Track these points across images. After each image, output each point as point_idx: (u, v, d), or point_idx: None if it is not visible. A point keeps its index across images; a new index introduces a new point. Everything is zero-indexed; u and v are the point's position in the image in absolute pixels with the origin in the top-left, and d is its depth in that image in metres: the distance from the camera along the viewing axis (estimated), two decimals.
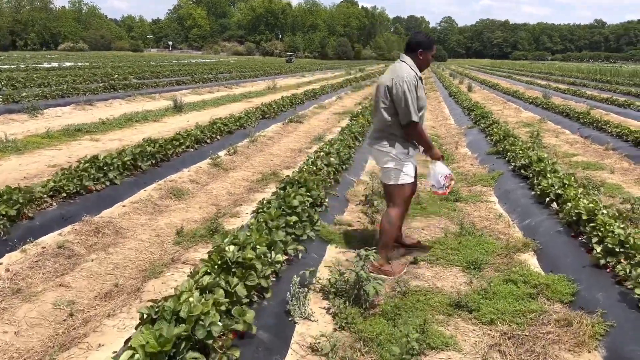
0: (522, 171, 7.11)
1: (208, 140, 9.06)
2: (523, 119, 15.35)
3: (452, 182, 4.61)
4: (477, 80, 35.16)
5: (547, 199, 5.74)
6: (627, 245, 4.01)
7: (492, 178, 7.53)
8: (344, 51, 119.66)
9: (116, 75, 21.50)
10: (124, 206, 5.77)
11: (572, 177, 5.97)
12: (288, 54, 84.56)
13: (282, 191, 5.22)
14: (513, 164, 7.64)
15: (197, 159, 8.02)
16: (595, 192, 6.69)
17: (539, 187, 6.01)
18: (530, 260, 4.65)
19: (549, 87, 26.69)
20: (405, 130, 4.17)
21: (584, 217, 4.71)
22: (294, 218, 4.47)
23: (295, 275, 3.60)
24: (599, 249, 4.18)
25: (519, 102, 19.60)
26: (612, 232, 4.25)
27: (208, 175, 7.42)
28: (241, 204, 6.14)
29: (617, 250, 4.04)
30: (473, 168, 8.43)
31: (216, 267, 3.36)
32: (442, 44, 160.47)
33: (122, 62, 38.74)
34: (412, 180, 4.41)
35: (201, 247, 4.74)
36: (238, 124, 10.69)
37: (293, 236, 4.38)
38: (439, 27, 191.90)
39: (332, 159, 6.81)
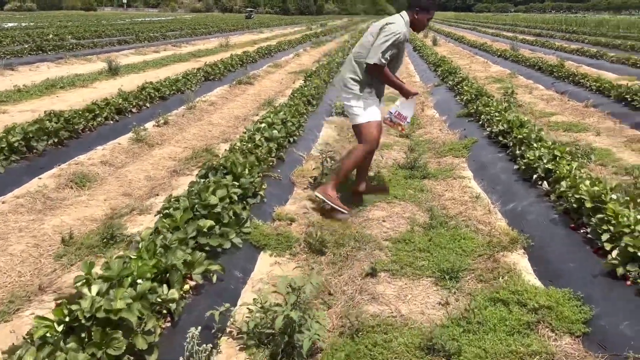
0: (500, 138, 6.05)
1: (134, 110, 7.70)
2: (492, 73, 14.29)
3: (404, 124, 4.73)
4: (442, 33, 33.87)
5: (535, 176, 4.70)
6: None
7: (465, 147, 6.46)
8: (306, 6, 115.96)
9: (50, 36, 19.42)
10: (2, 203, 4.49)
11: (564, 147, 4.92)
12: (248, 9, 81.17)
13: (201, 180, 4.01)
14: (489, 129, 6.56)
15: (117, 134, 6.69)
16: (586, 160, 5.69)
17: (524, 160, 4.96)
18: (521, 263, 3.60)
19: (515, 39, 25.60)
20: (369, 70, 4.31)
21: (588, 205, 3.66)
22: (210, 222, 3.29)
23: (206, 309, 2.45)
24: (614, 252, 3.14)
25: (487, 56, 18.50)
26: (630, 227, 3.22)
27: (127, 153, 6.12)
28: (158, 194, 4.91)
29: None
30: (442, 134, 7.34)
31: (63, 326, 2.18)
32: None
33: (71, 22, 35.91)
34: (379, 118, 4.47)
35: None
36: (174, 88, 9.28)
37: (208, 248, 3.22)
38: None
39: (275, 131, 5.59)
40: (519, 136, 5.52)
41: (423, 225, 4.25)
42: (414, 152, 6.18)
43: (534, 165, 4.74)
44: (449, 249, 3.82)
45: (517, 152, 5.29)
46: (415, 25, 4.41)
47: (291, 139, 6.09)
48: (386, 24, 4.28)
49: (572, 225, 3.78)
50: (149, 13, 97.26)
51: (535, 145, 5.10)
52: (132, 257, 2.74)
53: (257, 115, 8.45)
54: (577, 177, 4.11)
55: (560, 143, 5.41)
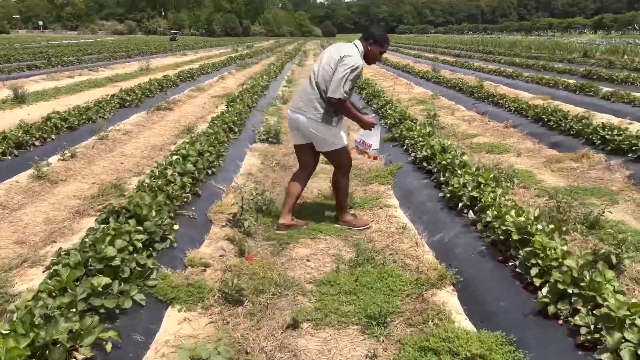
0: (425, 164, 5.94)
1: (37, 143, 7.05)
2: (416, 95, 14.50)
3: (369, 151, 4.83)
4: None
5: (460, 204, 4.57)
6: (583, 284, 2.87)
7: (391, 173, 6.32)
8: (232, 27, 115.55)
9: None
10: None
11: (488, 173, 4.84)
12: (172, 31, 79.61)
13: (100, 227, 3.57)
14: (413, 154, 6.47)
15: (14, 171, 6.05)
16: (510, 184, 5.67)
17: (448, 188, 4.84)
18: (451, 301, 3.40)
19: (436, 59, 26.43)
20: (332, 104, 4.32)
21: (515, 237, 3.53)
22: (105, 280, 2.87)
23: None
24: (544, 290, 3.00)
25: (410, 77, 18.86)
26: (558, 261, 3.10)
27: (25, 193, 5.52)
28: (56, 240, 4.40)
29: (571, 291, 2.88)
30: (367, 160, 7.18)
31: None
32: (330, 19, 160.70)
33: None
34: (346, 142, 4.65)
35: None
36: (85, 116, 8.65)
37: (103, 310, 2.80)
38: (326, 3, 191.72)
39: (190, 164, 5.21)
40: (443, 162, 5.42)
41: (349, 262, 3.99)
42: None
43: (459, 193, 4.62)
44: (376, 289, 3.58)
45: (442, 178, 5.18)
46: (368, 58, 4.44)
47: (209, 171, 5.72)
48: (344, 57, 4.26)
49: (500, 257, 3.64)
50: (67, 35, 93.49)
51: (459, 171, 5.00)
52: (3, 332, 2.29)
53: (175, 143, 8.01)
54: (502, 206, 4.00)
55: (484, 168, 5.36)
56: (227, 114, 8.33)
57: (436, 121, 9.02)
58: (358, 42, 4.42)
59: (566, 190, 5.61)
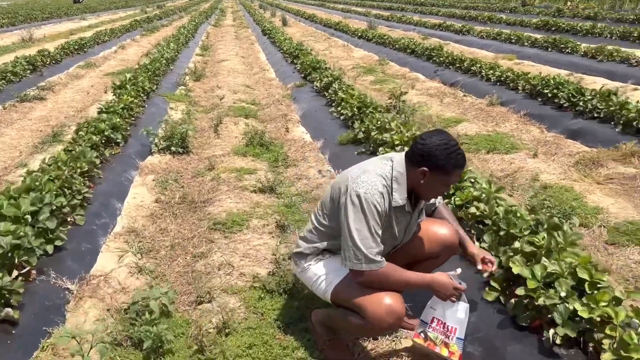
0: None
1: None
2: (359, 60, 12.04)
3: (452, 343, 2.25)
4: (290, 12, 31.40)
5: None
6: None
7: None
8: None
9: None
10: None
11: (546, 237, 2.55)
12: None
13: None
14: None
15: None
16: (570, 227, 3.42)
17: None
18: None
19: (369, 14, 23.93)
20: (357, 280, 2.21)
21: None
22: None
23: None
24: None
25: (346, 37, 16.31)
26: None
27: None
28: None
29: None
30: (323, 179, 4.75)
31: None
32: None
33: None
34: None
35: None
36: None
37: None
38: None
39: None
40: (458, 200, 3.12)
41: None
42: (287, 241, 3.56)
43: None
44: None
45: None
46: (419, 190, 2.28)
47: (49, 247, 3.11)
48: (345, 188, 2.24)
49: None
50: None
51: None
52: None
53: (25, 163, 5.20)
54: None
55: (534, 216, 3.03)
56: (106, 115, 5.56)
57: (402, 102, 6.64)
58: (397, 161, 2.29)
59: None
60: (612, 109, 5.43)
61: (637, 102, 5.38)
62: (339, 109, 6.11)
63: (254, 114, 7.21)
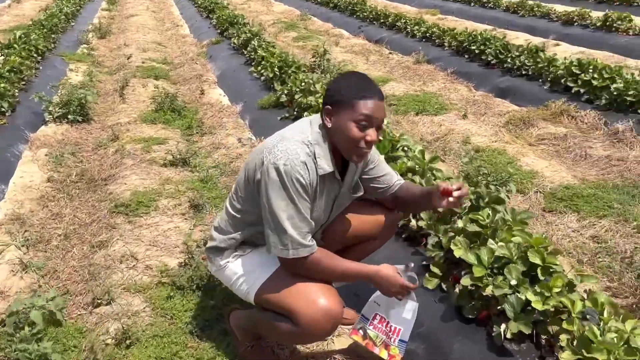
0: None
1: None
2: (279, 15, 11.43)
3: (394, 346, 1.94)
4: None
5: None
6: None
7: None
8: None
9: None
10: None
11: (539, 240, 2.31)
12: None
13: None
14: None
15: None
16: (507, 195, 3.22)
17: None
18: None
19: None
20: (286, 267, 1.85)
21: None
22: None
23: None
24: None
25: None
26: None
27: None
28: None
29: None
30: (242, 149, 4.31)
31: None
32: None
33: None
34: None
35: None
36: None
37: None
38: None
39: None
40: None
41: None
42: (202, 223, 3.14)
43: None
44: None
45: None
46: (339, 146, 1.83)
47: None
48: (272, 148, 1.79)
49: None
50: None
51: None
52: None
53: None
54: None
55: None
56: None
57: (326, 61, 6.24)
58: (315, 118, 1.92)
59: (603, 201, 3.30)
60: (540, 65, 5.29)
61: (565, 58, 5.27)
62: (259, 68, 5.62)
63: (165, 75, 6.55)
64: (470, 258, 2.10)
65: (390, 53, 7.51)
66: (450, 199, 1.85)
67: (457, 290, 2.17)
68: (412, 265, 1.85)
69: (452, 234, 2.36)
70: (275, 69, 5.25)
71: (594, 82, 4.63)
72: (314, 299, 1.77)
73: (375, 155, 2.05)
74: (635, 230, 2.93)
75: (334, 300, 1.78)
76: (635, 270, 2.57)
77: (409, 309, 1.91)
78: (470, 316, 2.08)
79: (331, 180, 1.88)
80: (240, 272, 1.96)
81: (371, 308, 2.00)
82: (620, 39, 7.27)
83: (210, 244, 2.06)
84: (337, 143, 1.82)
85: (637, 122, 4.16)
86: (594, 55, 6.44)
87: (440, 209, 2.16)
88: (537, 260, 2.01)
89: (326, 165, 1.81)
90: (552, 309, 1.89)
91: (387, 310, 1.95)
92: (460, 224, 2.36)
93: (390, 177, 2.08)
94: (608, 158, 3.88)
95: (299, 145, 1.77)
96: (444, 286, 2.28)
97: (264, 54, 5.71)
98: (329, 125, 1.81)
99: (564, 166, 3.89)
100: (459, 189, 1.85)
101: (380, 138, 1.82)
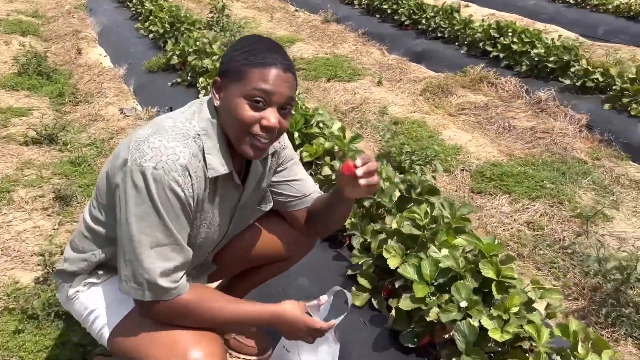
0: None
1: None
2: None
3: None
4: None
5: None
6: None
7: None
8: None
9: None
10: None
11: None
12: None
13: None
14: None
15: None
16: (433, 175, 2.85)
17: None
18: None
19: None
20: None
21: None
22: None
23: None
24: None
25: None
26: None
27: None
28: None
29: None
30: (125, 122, 3.61)
31: None
32: None
33: None
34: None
35: None
36: None
37: None
38: None
39: None
40: (307, 156, 2.35)
41: None
42: (71, 219, 2.50)
43: None
44: None
45: None
46: (228, 132, 1.26)
47: None
48: (142, 143, 1.20)
49: None
50: None
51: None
52: None
53: None
54: None
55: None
56: None
57: (226, 17, 5.55)
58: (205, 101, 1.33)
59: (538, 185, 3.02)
60: (456, 28, 4.96)
61: (483, 20, 4.97)
62: (147, 24, 4.83)
63: (34, 30, 5.55)
64: (409, 272, 1.67)
65: (296, 10, 6.92)
66: (361, 181, 1.31)
67: (392, 312, 1.75)
68: (325, 299, 1.35)
69: (383, 235, 1.92)
70: (166, 24, 4.51)
71: (514, 47, 4.37)
72: (184, 348, 1.22)
73: (289, 152, 1.52)
74: (572, 214, 2.67)
75: (211, 349, 1.25)
76: (578, 264, 2.30)
77: (326, 352, 1.44)
78: (409, 345, 1.67)
79: (227, 185, 1.33)
80: (93, 307, 1.37)
81: (280, 354, 1.51)
82: (528, 1, 7.16)
83: (59, 265, 1.46)
84: (226, 129, 1.26)
85: (559, 91, 3.95)
86: (505, 17, 6.25)
87: (352, 196, 1.54)
88: (491, 274, 1.61)
89: (218, 163, 1.26)
90: (512, 337, 1.52)
91: (298, 357, 1.47)
92: (392, 223, 1.92)
93: (305, 184, 1.54)
94: (533, 130, 3.63)
95: (181, 140, 1.20)
96: (374, 303, 1.85)
97: (152, 7, 4.92)
98: (217, 102, 1.27)
99: (487, 139, 3.60)
100: (364, 163, 1.33)
101: (286, 124, 1.22)
